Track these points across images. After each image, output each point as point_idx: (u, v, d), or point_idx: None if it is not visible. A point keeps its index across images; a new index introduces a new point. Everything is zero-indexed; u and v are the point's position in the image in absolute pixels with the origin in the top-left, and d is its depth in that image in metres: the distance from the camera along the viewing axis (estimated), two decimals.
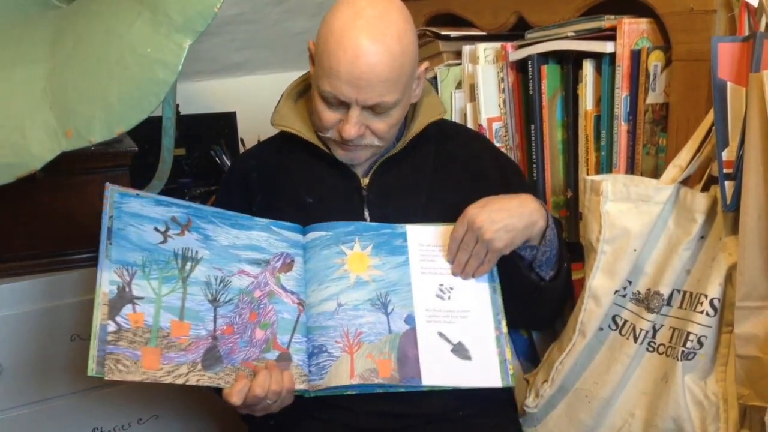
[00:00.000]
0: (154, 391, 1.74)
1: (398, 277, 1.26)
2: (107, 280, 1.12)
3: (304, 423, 1.28)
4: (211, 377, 1.13)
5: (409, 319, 1.24)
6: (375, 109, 1.23)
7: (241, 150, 2.22)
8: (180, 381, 1.10)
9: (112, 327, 1.09)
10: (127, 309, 1.11)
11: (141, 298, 1.13)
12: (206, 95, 2.34)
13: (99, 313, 1.09)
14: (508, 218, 1.21)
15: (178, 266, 1.19)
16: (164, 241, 1.20)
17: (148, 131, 1.80)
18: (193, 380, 1.11)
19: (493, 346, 1.24)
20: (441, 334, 1.23)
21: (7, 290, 1.54)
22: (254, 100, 2.32)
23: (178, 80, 1.13)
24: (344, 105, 1.23)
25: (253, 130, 2.14)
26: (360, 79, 1.19)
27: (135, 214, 1.19)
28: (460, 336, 1.24)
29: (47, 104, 1.13)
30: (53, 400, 1.62)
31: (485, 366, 1.23)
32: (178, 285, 1.18)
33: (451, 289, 1.27)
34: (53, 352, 1.60)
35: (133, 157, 1.66)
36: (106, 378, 1.05)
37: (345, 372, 1.18)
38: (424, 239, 1.30)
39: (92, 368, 1.05)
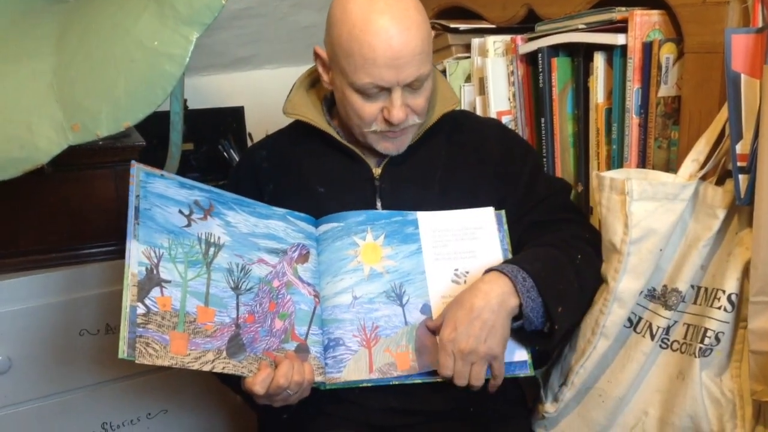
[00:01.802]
0: (163, 386, 1.75)
1: (412, 266, 1.25)
2: (136, 261, 1.09)
3: (315, 418, 1.27)
4: (236, 365, 1.11)
5: (425, 309, 1.22)
6: (413, 86, 1.23)
7: (249, 144, 2.22)
8: (207, 368, 1.09)
9: (141, 309, 1.06)
10: (155, 292, 1.09)
11: (168, 282, 1.11)
12: (214, 90, 2.34)
13: (129, 293, 1.06)
14: (484, 323, 1.13)
15: (201, 251, 1.17)
16: (188, 225, 1.18)
17: (156, 126, 1.80)
18: (219, 367, 1.10)
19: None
20: None
21: (16, 285, 1.55)
22: (262, 95, 2.32)
23: (185, 75, 1.13)
24: (384, 92, 1.23)
25: (261, 124, 2.13)
26: (398, 59, 1.19)
27: (160, 195, 1.16)
28: None
29: (54, 98, 1.13)
30: (62, 395, 1.63)
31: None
32: (203, 270, 1.16)
33: (467, 273, 1.25)
34: (62, 347, 1.60)
35: (141, 152, 1.66)
36: (137, 361, 1.03)
37: (364, 366, 1.18)
38: (436, 225, 1.29)
39: (123, 350, 1.02)
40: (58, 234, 1.61)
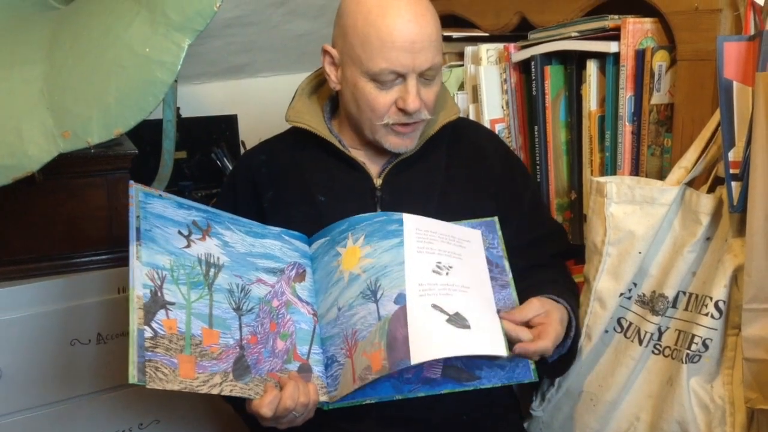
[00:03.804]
0: (155, 396, 1.73)
1: (391, 258, 1.20)
2: (140, 283, 1.06)
3: (311, 429, 1.26)
4: (242, 388, 1.09)
5: (400, 298, 1.15)
6: (426, 75, 1.25)
7: (242, 153, 2.21)
8: (215, 391, 1.06)
9: (148, 332, 1.03)
10: (161, 314, 1.05)
11: (173, 304, 1.08)
12: (207, 98, 2.34)
13: (135, 317, 1.03)
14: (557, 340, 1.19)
15: (202, 272, 1.14)
16: (188, 246, 1.15)
17: (148, 134, 1.80)
18: (226, 390, 1.07)
19: (494, 317, 1.16)
20: (435, 306, 1.14)
21: (7, 294, 1.54)
22: (255, 103, 2.32)
23: (178, 83, 1.12)
24: (399, 79, 1.23)
25: (254, 132, 2.13)
26: (415, 42, 1.20)
27: (159, 216, 1.14)
28: (457, 307, 1.15)
29: (44, 105, 1.13)
30: (54, 405, 1.62)
31: (486, 334, 1.13)
32: (205, 291, 1.12)
33: (450, 267, 1.20)
34: (53, 357, 1.59)
35: (134, 160, 1.66)
36: (147, 386, 1.00)
37: (350, 378, 1.14)
38: (423, 226, 1.25)
39: (133, 375, 0.99)
40: (50, 243, 1.61)
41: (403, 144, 1.30)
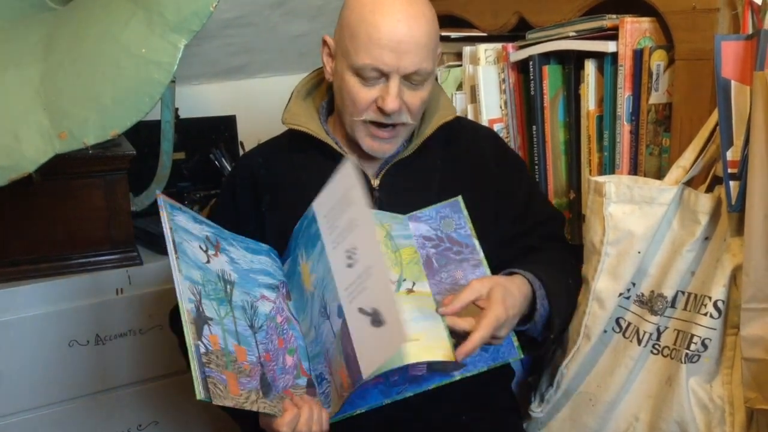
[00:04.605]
0: (154, 398, 1.74)
1: (324, 269, 1.16)
2: (186, 297, 1.03)
3: None
4: (268, 405, 1.07)
5: (340, 311, 1.11)
6: (412, 79, 1.23)
7: (241, 153, 2.21)
8: (255, 408, 1.04)
9: (202, 348, 1.01)
10: (206, 330, 1.03)
11: (212, 319, 1.06)
12: (205, 99, 2.34)
13: (189, 332, 1.00)
14: (513, 320, 1.17)
15: (223, 288, 1.12)
16: (208, 261, 1.13)
17: (147, 135, 1.80)
18: (261, 407, 1.06)
19: (391, 298, 1.05)
20: (360, 310, 1.08)
21: (5, 295, 1.54)
22: (254, 104, 2.32)
23: (177, 84, 1.12)
24: (382, 78, 1.23)
25: (252, 133, 2.13)
26: (401, 43, 1.19)
27: (185, 229, 1.12)
28: (372, 301, 1.07)
29: (41, 106, 1.12)
30: (52, 407, 1.62)
31: (392, 328, 1.02)
32: (228, 308, 1.11)
33: (355, 249, 1.11)
34: (52, 358, 1.59)
35: (132, 161, 1.65)
36: (214, 402, 0.98)
37: (335, 395, 1.14)
38: (325, 208, 1.17)
39: (200, 392, 0.97)
40: (48, 244, 1.61)
41: (380, 148, 1.29)
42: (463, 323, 1.12)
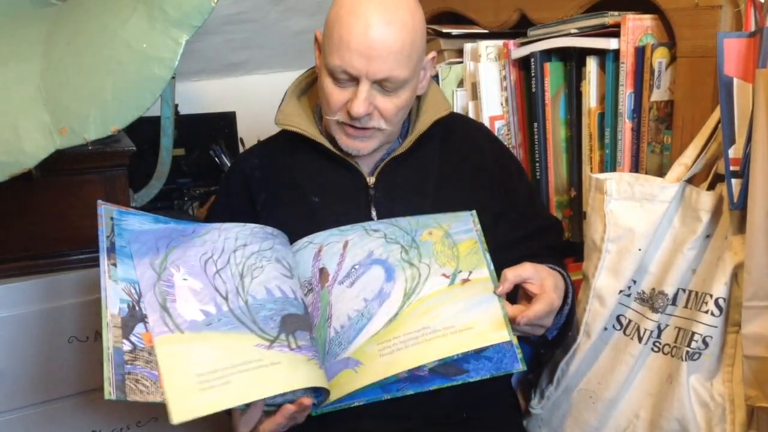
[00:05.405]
0: None
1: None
2: (115, 300, 1.07)
3: (306, 428, 1.26)
4: None
5: None
6: (384, 86, 1.21)
7: (241, 150, 2.21)
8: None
9: (127, 346, 1.03)
10: (140, 328, 1.06)
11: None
12: (205, 95, 2.34)
13: (110, 335, 1.03)
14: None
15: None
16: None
17: (146, 131, 1.79)
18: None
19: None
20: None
21: (4, 291, 1.53)
22: (254, 100, 2.32)
23: (177, 80, 1.12)
24: (353, 81, 1.21)
25: (252, 130, 2.13)
26: (371, 49, 1.17)
27: (135, 231, 1.15)
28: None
29: (41, 102, 1.12)
30: (51, 403, 1.61)
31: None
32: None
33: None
34: (51, 355, 1.58)
35: (132, 157, 1.65)
36: (128, 399, 1.00)
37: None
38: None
39: (110, 392, 0.99)
40: (47, 240, 1.60)
41: (355, 146, 1.28)
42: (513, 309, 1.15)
